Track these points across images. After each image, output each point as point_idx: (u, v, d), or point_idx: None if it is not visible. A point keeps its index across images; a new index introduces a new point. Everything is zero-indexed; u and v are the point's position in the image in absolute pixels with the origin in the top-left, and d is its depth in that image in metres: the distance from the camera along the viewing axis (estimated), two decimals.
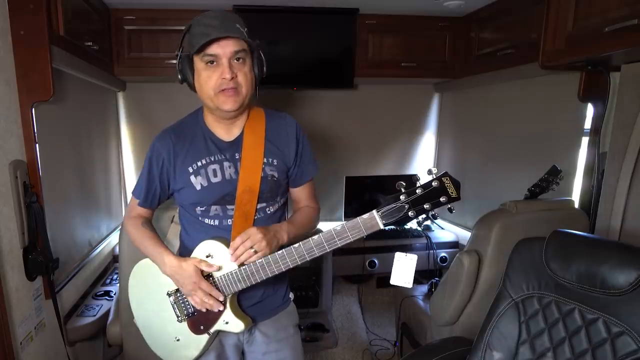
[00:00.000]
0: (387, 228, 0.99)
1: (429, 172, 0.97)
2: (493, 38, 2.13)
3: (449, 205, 0.96)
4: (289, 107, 2.65)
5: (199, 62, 1.09)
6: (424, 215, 0.96)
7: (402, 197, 0.95)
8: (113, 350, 2.05)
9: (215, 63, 1.07)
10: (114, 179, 2.51)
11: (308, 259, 1.04)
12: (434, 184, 0.94)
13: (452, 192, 0.95)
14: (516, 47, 1.91)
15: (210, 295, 1.10)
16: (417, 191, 0.95)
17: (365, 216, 0.98)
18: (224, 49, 1.05)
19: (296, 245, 1.04)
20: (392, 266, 1.29)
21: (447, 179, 0.94)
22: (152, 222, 1.27)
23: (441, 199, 0.94)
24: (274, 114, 1.24)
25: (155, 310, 1.21)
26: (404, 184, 0.97)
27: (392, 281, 1.28)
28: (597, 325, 1.04)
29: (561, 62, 1.53)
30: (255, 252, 1.06)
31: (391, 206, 0.96)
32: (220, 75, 1.06)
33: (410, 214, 0.96)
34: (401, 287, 1.32)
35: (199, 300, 1.11)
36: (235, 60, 1.07)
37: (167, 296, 1.18)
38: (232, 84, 1.07)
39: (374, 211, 0.97)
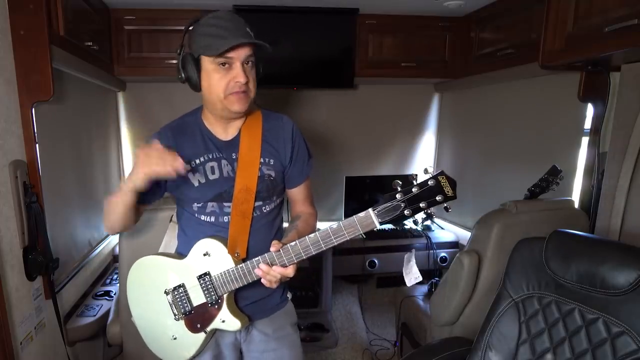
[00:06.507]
0: (385, 228, 0.98)
1: (425, 171, 0.96)
2: (493, 38, 2.13)
3: (446, 204, 0.95)
4: (289, 107, 2.65)
5: (209, 64, 1.09)
6: (421, 215, 0.95)
7: (398, 196, 0.95)
8: (113, 350, 2.05)
9: (227, 65, 1.07)
10: (114, 179, 2.50)
11: (304, 257, 1.03)
12: (430, 182, 0.93)
13: (448, 191, 0.93)
14: (516, 47, 1.91)
15: (161, 154, 1.00)
16: (413, 190, 0.94)
17: (361, 214, 0.98)
18: (239, 54, 1.06)
19: (292, 243, 1.03)
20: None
21: (443, 178, 0.93)
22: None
23: (437, 198, 0.93)
24: (272, 114, 1.24)
25: (153, 309, 1.21)
26: (400, 182, 0.96)
27: (410, 283, 1.26)
28: (597, 325, 1.05)
29: (561, 62, 1.53)
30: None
31: (387, 205, 0.95)
32: (233, 78, 1.08)
33: (406, 212, 0.95)
34: (406, 285, 1.31)
35: (159, 164, 0.99)
36: (246, 64, 1.09)
37: (165, 294, 1.18)
38: (244, 87, 1.09)
39: (370, 210, 0.97)
